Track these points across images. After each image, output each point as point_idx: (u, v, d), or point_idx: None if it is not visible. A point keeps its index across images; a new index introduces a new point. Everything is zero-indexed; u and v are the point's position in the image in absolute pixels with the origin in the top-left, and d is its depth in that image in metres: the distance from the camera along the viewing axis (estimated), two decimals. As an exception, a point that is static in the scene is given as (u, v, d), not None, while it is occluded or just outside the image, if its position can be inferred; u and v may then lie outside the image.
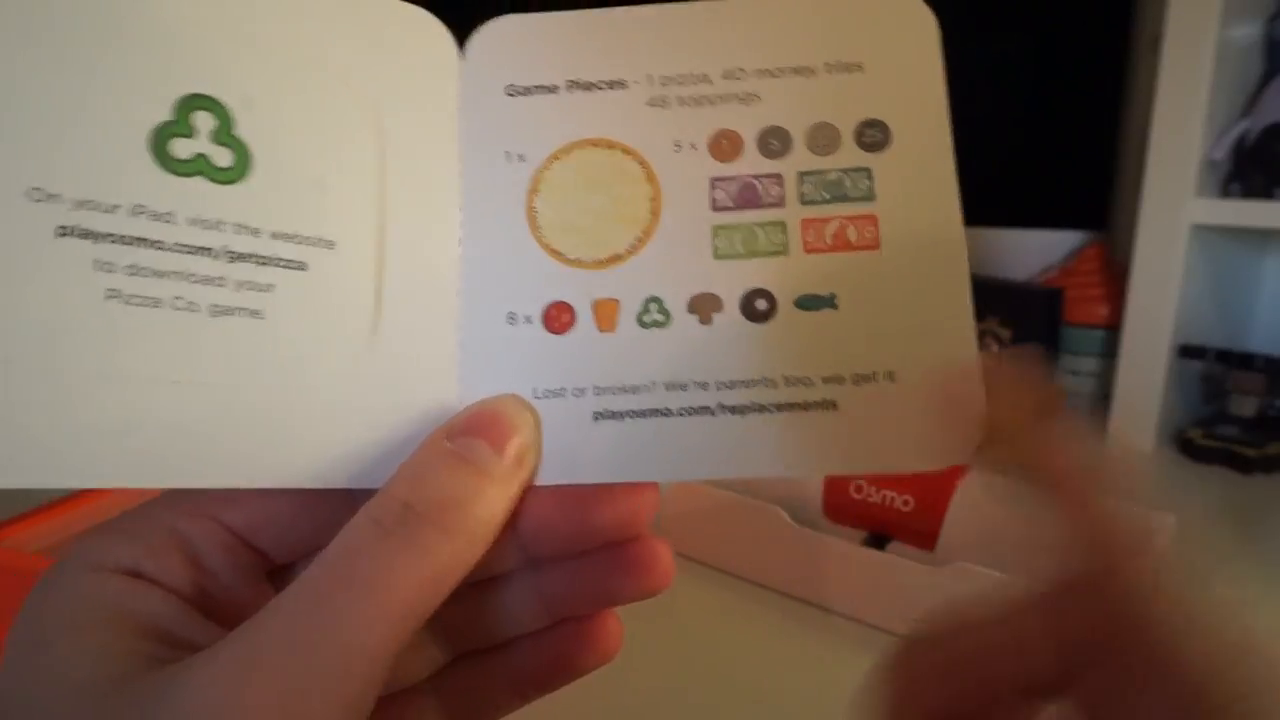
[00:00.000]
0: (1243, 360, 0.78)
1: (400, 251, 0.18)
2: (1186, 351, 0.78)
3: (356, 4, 0.18)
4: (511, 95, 0.20)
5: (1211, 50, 0.72)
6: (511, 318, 0.19)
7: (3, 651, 0.16)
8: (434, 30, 0.20)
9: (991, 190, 1.04)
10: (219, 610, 0.17)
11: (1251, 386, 0.78)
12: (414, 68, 0.19)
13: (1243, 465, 0.74)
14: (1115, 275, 0.87)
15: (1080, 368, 0.89)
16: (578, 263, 0.19)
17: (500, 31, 0.20)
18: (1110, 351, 0.84)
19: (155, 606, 0.16)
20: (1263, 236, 0.84)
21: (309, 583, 0.15)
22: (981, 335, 0.81)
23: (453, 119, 0.19)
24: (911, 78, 0.19)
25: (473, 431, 0.17)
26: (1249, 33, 0.76)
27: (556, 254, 0.20)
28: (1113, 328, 0.84)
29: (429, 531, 0.16)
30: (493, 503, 0.17)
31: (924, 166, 0.19)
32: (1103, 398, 0.85)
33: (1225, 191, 0.76)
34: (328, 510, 0.18)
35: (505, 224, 0.20)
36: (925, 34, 0.20)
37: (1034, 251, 0.98)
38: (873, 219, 0.19)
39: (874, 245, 0.19)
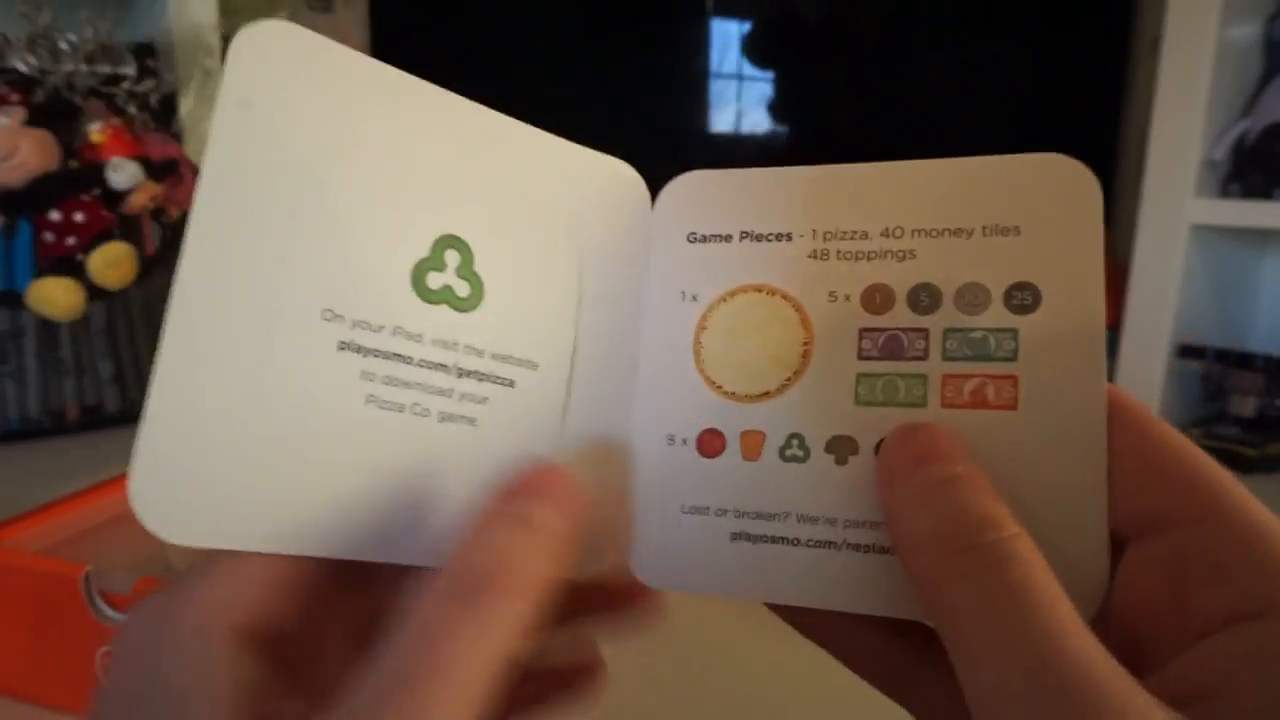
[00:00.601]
0: (1242, 360, 0.78)
1: (588, 373, 0.21)
2: (1186, 351, 0.78)
3: (573, 158, 0.22)
4: (691, 242, 0.22)
5: (1211, 50, 0.72)
6: (670, 439, 0.22)
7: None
8: (631, 180, 0.23)
9: (991, 190, 1.04)
10: (325, 650, 0.18)
11: (1251, 386, 0.78)
12: (615, 214, 0.22)
13: (1243, 465, 0.74)
14: (1115, 275, 0.87)
15: (1080, 368, 0.89)
16: (732, 395, 0.21)
17: (688, 184, 0.23)
18: (1110, 351, 0.84)
19: (262, 680, 0.17)
20: (1263, 236, 0.84)
21: (388, 672, 0.15)
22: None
23: (639, 260, 0.22)
24: (1068, 242, 0.20)
25: (529, 493, 0.18)
26: (1249, 33, 0.76)
27: (715, 386, 0.22)
28: (1112, 328, 0.84)
29: (496, 597, 0.16)
30: (552, 558, 0.17)
31: (1072, 332, 0.19)
32: (1102, 398, 0.85)
33: (1225, 191, 0.76)
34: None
35: (674, 355, 0.22)
36: (1087, 199, 0.20)
37: (1034, 251, 0.98)
38: (1013, 379, 0.19)
39: (1012, 405, 0.19)
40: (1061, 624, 0.15)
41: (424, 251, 0.19)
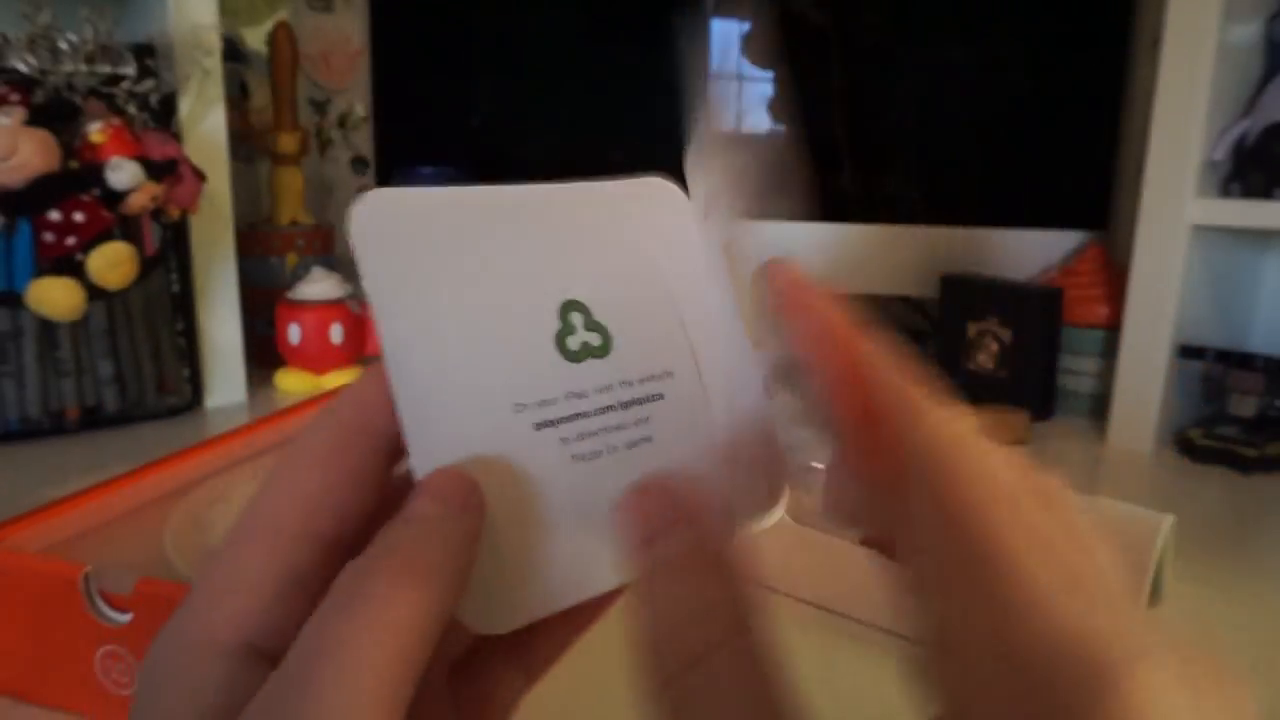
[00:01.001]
0: (1242, 360, 0.78)
1: (709, 360, 0.24)
2: (1186, 352, 0.78)
3: (617, 190, 0.25)
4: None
5: (1211, 50, 0.72)
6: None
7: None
8: (668, 186, 0.26)
9: (991, 190, 1.04)
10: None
11: (1251, 386, 0.78)
12: (668, 219, 0.25)
13: (1242, 465, 0.74)
14: (1115, 275, 0.87)
15: (1080, 368, 0.89)
16: None
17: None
18: (1110, 351, 0.84)
19: (251, 682, 0.17)
20: (1263, 236, 0.84)
21: (286, 671, 0.16)
22: (981, 335, 0.81)
23: (696, 250, 0.25)
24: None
25: (421, 494, 0.19)
26: (1249, 33, 0.76)
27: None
28: (1113, 328, 0.84)
29: (378, 586, 0.17)
30: (435, 547, 0.18)
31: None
32: (1103, 398, 0.85)
33: (1225, 191, 0.76)
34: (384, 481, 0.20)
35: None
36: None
37: (1034, 251, 0.98)
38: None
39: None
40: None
41: (556, 324, 0.22)
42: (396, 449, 0.20)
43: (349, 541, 0.19)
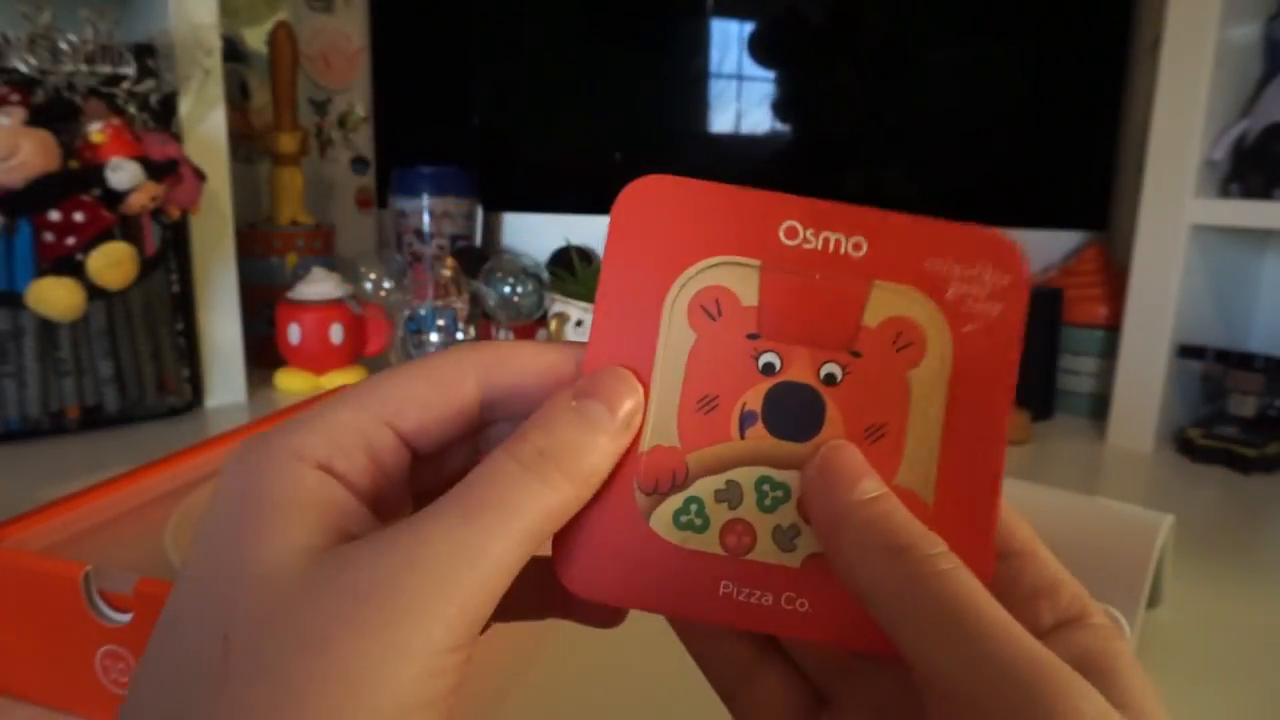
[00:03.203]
0: (1242, 360, 0.78)
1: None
2: (1186, 351, 0.78)
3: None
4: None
5: (1211, 51, 0.72)
6: None
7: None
8: None
9: (991, 190, 1.04)
10: (382, 508, 0.21)
11: (1251, 386, 0.78)
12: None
13: (1242, 465, 0.74)
14: (1115, 275, 0.87)
15: (1080, 368, 0.89)
16: None
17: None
18: (1110, 351, 0.84)
19: (342, 500, 0.20)
20: (1262, 236, 0.84)
21: (460, 499, 0.19)
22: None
23: None
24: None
25: (592, 394, 0.21)
26: (1249, 33, 0.76)
27: None
28: (1112, 328, 0.84)
29: (555, 472, 0.20)
30: (605, 455, 0.21)
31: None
32: (1102, 398, 0.85)
33: (1225, 192, 0.76)
34: (464, 429, 0.22)
35: None
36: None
37: (1034, 251, 0.98)
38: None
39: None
40: (1006, 620, 0.18)
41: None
42: (487, 418, 0.22)
43: (418, 450, 0.22)
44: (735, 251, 0.22)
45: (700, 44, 1.07)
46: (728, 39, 1.06)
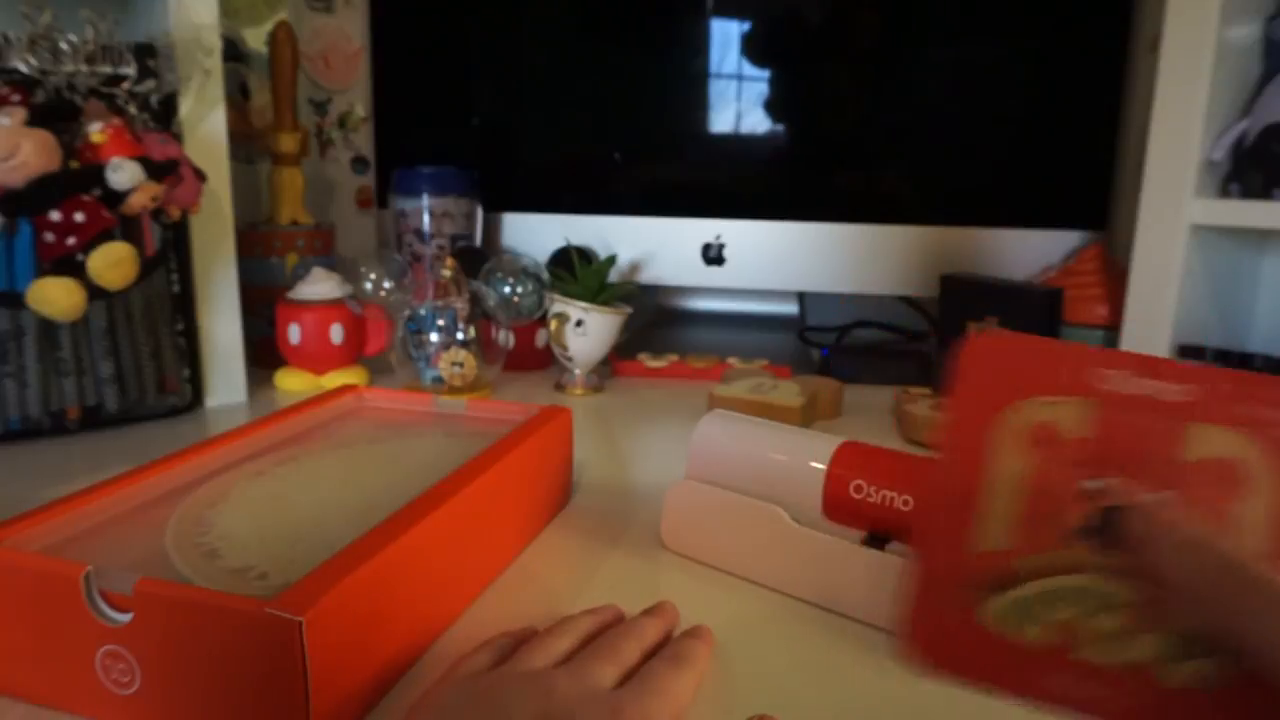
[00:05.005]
0: (1242, 360, 0.78)
1: None
2: (1186, 351, 0.78)
3: None
4: None
5: (1211, 50, 0.72)
6: None
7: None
8: None
9: (991, 190, 1.04)
10: None
11: (1251, 386, 0.78)
12: None
13: (1242, 465, 0.73)
14: (1115, 275, 0.87)
15: (1080, 368, 0.89)
16: None
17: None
18: (1110, 351, 0.84)
19: None
20: (1262, 236, 0.84)
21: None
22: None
23: None
24: None
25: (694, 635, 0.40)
26: (1248, 33, 0.76)
27: None
28: (1112, 328, 0.84)
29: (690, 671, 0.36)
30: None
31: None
32: (1102, 398, 0.85)
33: (1224, 192, 0.76)
34: None
35: None
36: None
37: (1034, 251, 0.98)
38: None
39: None
40: None
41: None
42: None
43: None
44: (1064, 392, 0.25)
45: (700, 44, 1.07)
46: (727, 39, 1.06)
